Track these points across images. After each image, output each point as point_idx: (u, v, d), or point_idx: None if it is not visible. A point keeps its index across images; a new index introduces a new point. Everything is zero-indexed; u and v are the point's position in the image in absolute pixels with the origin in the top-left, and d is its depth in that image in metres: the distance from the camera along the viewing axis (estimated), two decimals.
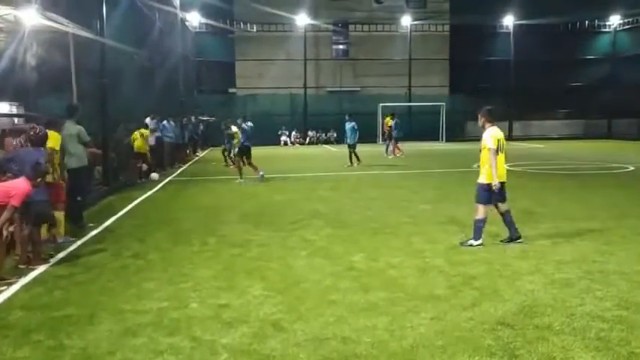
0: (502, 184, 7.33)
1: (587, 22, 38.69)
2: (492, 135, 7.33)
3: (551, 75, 38.25)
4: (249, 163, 15.01)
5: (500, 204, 7.42)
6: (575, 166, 18.13)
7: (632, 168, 16.90)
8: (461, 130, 37.26)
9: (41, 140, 7.06)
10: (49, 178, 7.22)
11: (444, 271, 6.14)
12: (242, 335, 4.43)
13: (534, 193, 11.87)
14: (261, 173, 15.00)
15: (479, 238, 7.34)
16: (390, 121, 24.27)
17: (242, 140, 14.90)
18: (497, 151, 7.23)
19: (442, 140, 34.40)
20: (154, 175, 15.87)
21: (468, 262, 6.48)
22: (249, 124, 15.46)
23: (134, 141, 15.39)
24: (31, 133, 7.00)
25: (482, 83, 37.94)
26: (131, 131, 15.65)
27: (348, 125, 18.73)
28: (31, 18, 10.66)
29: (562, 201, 10.86)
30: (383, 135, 33.45)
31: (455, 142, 33.82)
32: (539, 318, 4.65)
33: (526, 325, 4.49)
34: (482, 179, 7.34)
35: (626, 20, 38.40)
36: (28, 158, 6.66)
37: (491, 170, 7.22)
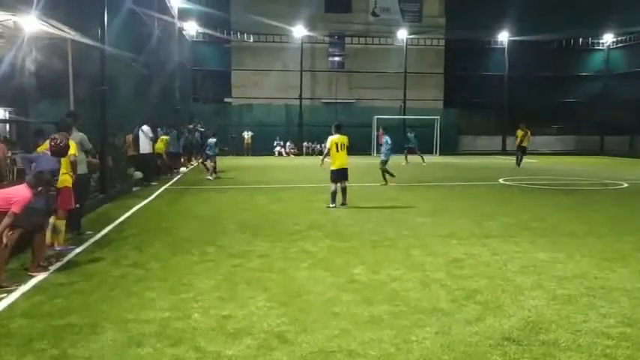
0: (343, 169, 11.77)
1: (580, 39, 39.22)
2: (330, 139, 11.88)
3: (545, 91, 38.72)
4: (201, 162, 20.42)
5: (340, 182, 11.88)
6: (569, 181, 18.24)
7: (627, 185, 17.02)
8: (455, 144, 37.49)
9: (60, 152, 7.09)
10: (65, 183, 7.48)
11: (446, 284, 6.14)
12: (247, 347, 4.39)
13: (531, 208, 11.93)
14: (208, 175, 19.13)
15: (333, 203, 11.79)
16: (521, 133, 24.36)
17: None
18: (337, 150, 11.72)
19: (436, 153, 34.54)
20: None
21: (468, 275, 6.49)
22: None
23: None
24: (52, 143, 6.99)
25: (476, 98, 38.35)
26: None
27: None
28: (31, 24, 10.63)
29: (559, 216, 10.90)
30: (378, 147, 33.64)
31: (449, 155, 34.02)
32: (545, 334, 4.65)
33: (532, 342, 4.48)
34: (331, 167, 11.85)
35: (619, 38, 38.97)
36: (44, 165, 6.64)
37: (333, 161, 11.75)
